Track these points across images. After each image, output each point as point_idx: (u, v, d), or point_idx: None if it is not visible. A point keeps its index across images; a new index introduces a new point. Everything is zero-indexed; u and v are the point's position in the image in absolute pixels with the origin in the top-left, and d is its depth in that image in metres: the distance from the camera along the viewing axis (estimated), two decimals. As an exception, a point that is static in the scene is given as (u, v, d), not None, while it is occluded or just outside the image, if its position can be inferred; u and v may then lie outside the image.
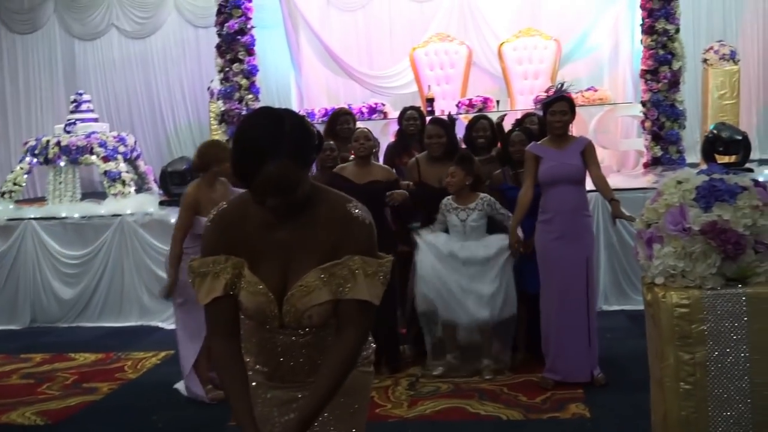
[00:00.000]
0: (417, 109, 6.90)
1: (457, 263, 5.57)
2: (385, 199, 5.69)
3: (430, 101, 9.93)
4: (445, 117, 6.52)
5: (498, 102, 10.07)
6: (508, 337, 5.75)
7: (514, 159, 5.83)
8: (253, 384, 2.45)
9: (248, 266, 2.31)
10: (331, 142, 6.24)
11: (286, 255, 2.31)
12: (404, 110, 6.89)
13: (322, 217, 2.31)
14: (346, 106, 9.31)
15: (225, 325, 2.35)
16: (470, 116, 7.71)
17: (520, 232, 5.52)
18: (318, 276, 2.28)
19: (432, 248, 5.62)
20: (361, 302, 2.28)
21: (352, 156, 6.00)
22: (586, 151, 5.32)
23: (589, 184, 5.41)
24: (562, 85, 5.58)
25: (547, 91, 5.66)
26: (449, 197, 5.68)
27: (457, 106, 10.10)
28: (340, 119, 6.72)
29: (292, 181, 2.19)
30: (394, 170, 6.05)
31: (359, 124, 6.88)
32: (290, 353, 2.41)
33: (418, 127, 6.51)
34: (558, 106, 5.31)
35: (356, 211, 2.31)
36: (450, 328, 5.67)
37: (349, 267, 2.27)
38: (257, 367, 2.47)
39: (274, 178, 2.14)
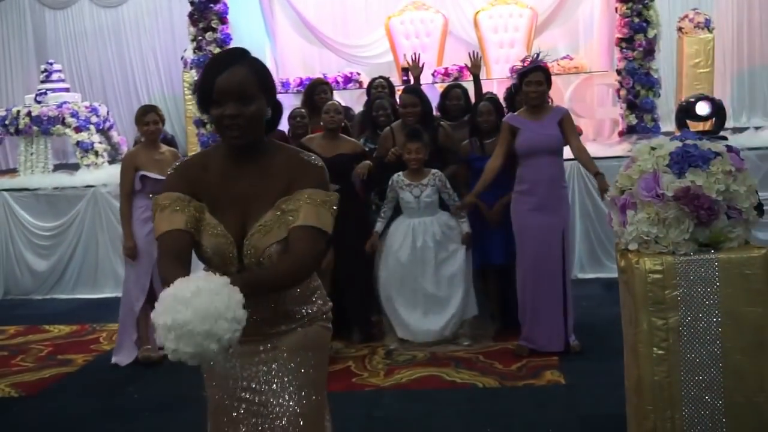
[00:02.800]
0: (387, 79, 6.93)
1: (417, 268, 5.61)
2: (350, 171, 5.67)
3: (406, 70, 9.85)
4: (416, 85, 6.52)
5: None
6: (481, 310, 5.81)
7: (482, 129, 5.83)
8: None
9: (209, 211, 2.43)
10: (302, 110, 6.28)
11: (244, 202, 2.43)
12: (372, 80, 6.96)
13: (277, 165, 2.44)
14: (323, 77, 9.27)
15: (177, 253, 2.36)
16: (445, 85, 7.69)
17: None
18: (274, 214, 2.39)
19: (393, 258, 5.65)
20: (309, 227, 2.36)
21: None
22: (564, 121, 5.30)
23: (566, 154, 5.42)
24: (538, 55, 5.56)
25: (523, 60, 5.65)
26: (400, 174, 5.66)
27: (432, 75, 10.06)
28: (318, 89, 6.68)
29: (248, 89, 2.35)
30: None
31: (335, 94, 6.86)
32: (251, 305, 2.38)
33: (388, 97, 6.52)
34: (534, 77, 5.28)
35: (308, 157, 2.47)
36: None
37: (298, 199, 2.37)
38: None
39: (233, 80, 2.33)
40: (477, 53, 6.91)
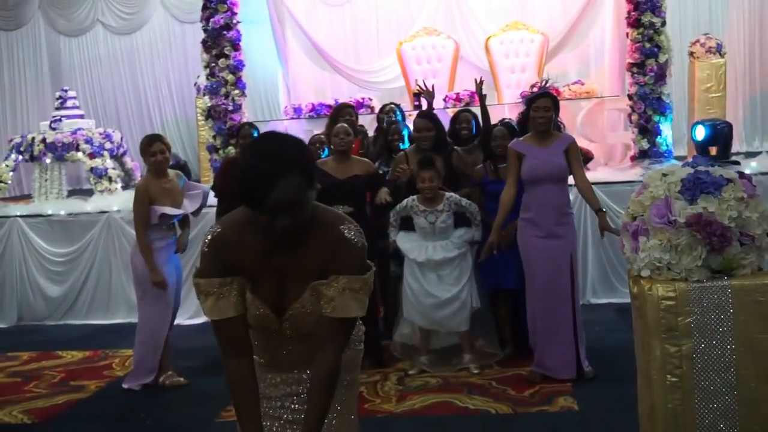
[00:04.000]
0: (398, 105, 6.97)
1: (430, 270, 5.66)
2: (364, 192, 5.77)
3: (417, 95, 9.89)
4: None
5: (485, 96, 10.04)
6: (490, 330, 5.81)
7: (496, 153, 5.84)
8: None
9: (249, 287, 2.43)
10: (321, 136, 6.34)
11: (282, 278, 2.43)
12: (383, 106, 7.02)
13: (315, 240, 2.39)
14: (335, 102, 9.33)
15: (237, 344, 2.46)
16: (456, 110, 7.71)
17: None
18: (310, 296, 2.41)
19: (413, 264, 5.70)
20: (344, 320, 2.42)
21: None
22: (570, 150, 5.30)
23: (571, 180, 5.42)
24: (547, 81, 5.59)
25: (532, 86, 5.68)
26: (414, 199, 5.69)
27: (444, 100, 10.08)
28: (343, 112, 6.73)
29: (303, 199, 2.27)
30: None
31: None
32: (288, 346, 2.55)
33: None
34: (541, 102, 5.29)
35: (349, 234, 2.40)
36: (424, 332, 5.78)
37: (336, 287, 2.38)
38: (256, 358, 2.58)
39: (288, 197, 2.22)
40: (480, 79, 6.82)
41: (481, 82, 6.66)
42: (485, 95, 6.58)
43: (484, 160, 5.98)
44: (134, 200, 5.68)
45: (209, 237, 2.42)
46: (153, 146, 5.65)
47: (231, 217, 2.45)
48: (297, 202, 2.25)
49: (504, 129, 5.93)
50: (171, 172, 5.84)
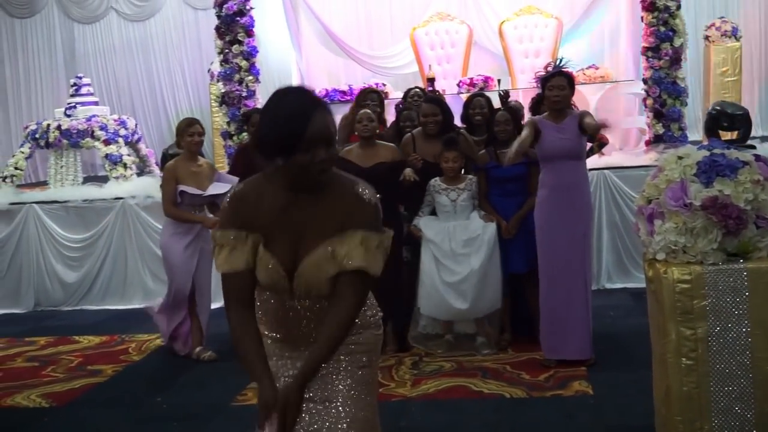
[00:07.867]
0: (423, 89, 6.88)
1: (452, 260, 5.68)
2: (391, 179, 5.64)
3: (431, 81, 9.88)
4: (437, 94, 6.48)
5: (499, 81, 10.01)
6: (495, 319, 5.85)
7: (498, 138, 5.81)
8: (268, 342, 2.61)
9: (263, 243, 2.47)
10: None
11: (298, 233, 2.48)
12: (408, 90, 6.93)
13: (332, 199, 2.47)
14: (348, 88, 9.30)
15: (243, 296, 2.51)
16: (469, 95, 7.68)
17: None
18: (325, 250, 2.44)
19: (432, 246, 5.71)
20: (360, 271, 2.42)
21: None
22: (582, 118, 5.26)
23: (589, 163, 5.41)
24: (560, 60, 5.56)
25: (545, 67, 5.65)
26: (437, 178, 5.76)
27: (458, 85, 10.08)
28: (368, 97, 6.62)
29: (333, 133, 2.43)
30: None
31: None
32: (301, 320, 2.57)
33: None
34: (556, 81, 5.28)
35: (364, 192, 2.49)
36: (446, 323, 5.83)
37: (352, 241, 2.41)
38: (272, 334, 2.63)
39: (324, 126, 2.37)
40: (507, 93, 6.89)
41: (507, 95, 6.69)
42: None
43: (486, 144, 5.96)
44: (162, 180, 6.04)
45: (230, 193, 2.53)
46: (192, 127, 5.99)
47: (253, 178, 2.54)
48: (332, 134, 2.41)
49: (506, 114, 5.89)
50: (204, 160, 6.13)
